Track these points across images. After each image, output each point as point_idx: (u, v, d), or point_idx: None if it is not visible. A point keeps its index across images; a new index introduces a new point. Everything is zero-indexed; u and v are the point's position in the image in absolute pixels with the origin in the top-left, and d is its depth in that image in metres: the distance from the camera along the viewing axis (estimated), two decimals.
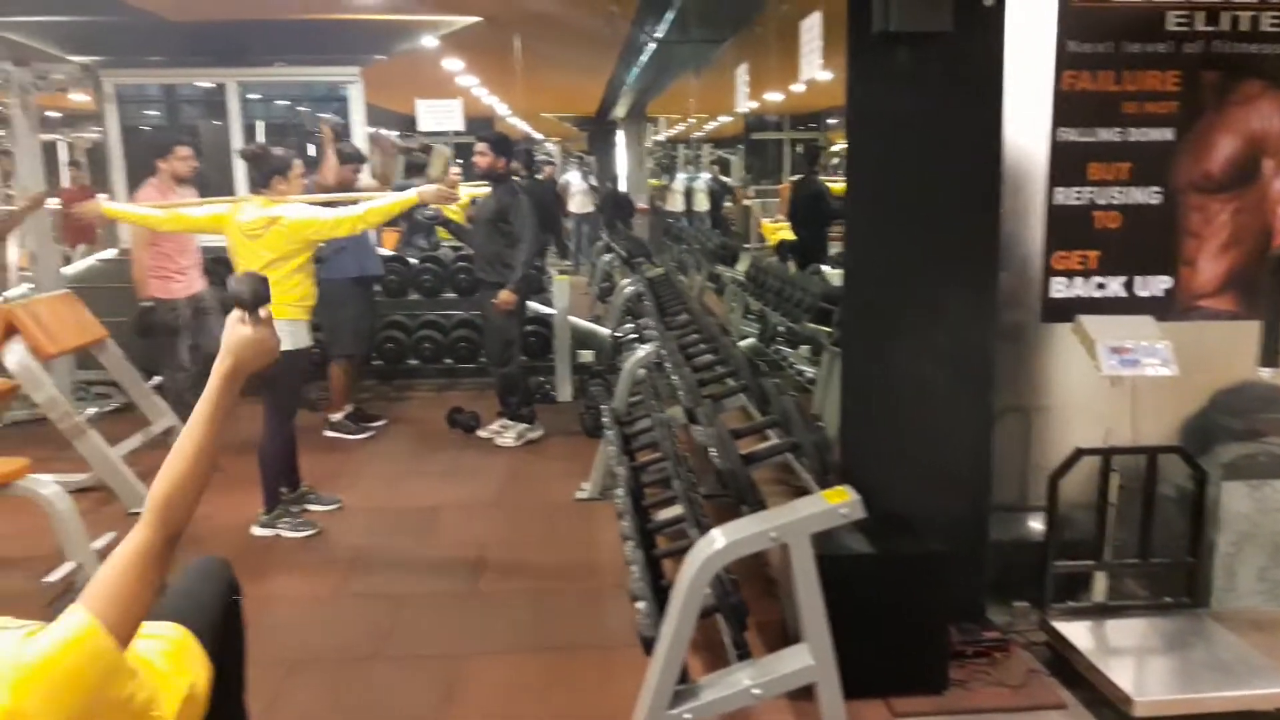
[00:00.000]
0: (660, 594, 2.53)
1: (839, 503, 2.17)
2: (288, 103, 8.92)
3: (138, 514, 3.17)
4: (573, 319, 6.62)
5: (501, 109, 15.24)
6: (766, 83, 9.81)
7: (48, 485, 3.87)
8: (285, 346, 4.06)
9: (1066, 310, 3.14)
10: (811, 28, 3.47)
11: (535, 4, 6.24)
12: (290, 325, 4.08)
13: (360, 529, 4.37)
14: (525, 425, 5.58)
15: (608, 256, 10.49)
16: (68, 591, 3.78)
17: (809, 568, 2.18)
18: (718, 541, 2.24)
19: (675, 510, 3.27)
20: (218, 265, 6.34)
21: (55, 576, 3.76)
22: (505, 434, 5.55)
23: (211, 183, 8.47)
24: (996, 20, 2.84)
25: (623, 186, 16.04)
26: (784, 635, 2.96)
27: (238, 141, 7.02)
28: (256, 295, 1.76)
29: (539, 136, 25.20)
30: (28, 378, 4.47)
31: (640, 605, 2.45)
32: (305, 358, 4.30)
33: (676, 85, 10.69)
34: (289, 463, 4.40)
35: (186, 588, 2.16)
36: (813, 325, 4.51)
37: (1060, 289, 3.18)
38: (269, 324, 1.76)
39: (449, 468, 5.26)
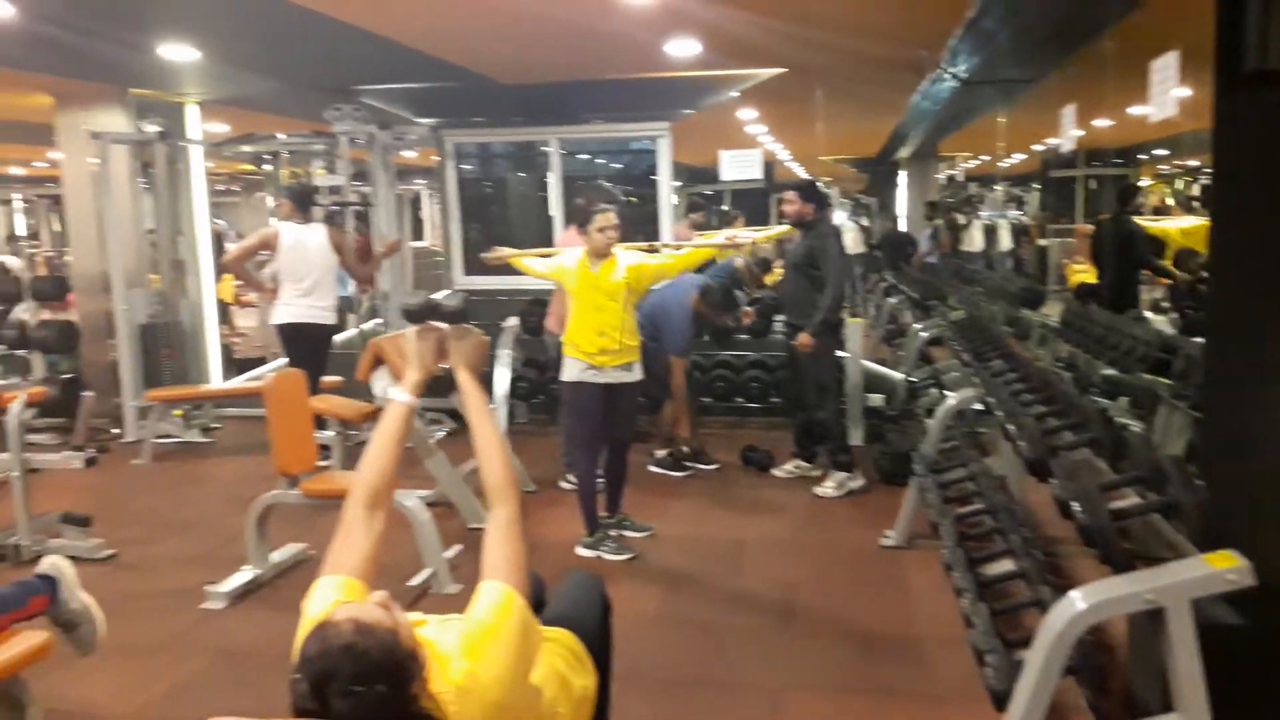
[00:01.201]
0: (1005, 649, 2.49)
1: (1225, 567, 2.06)
2: (586, 156, 9.57)
3: (477, 529, 3.55)
4: (863, 362, 6.60)
5: (782, 154, 15.49)
6: (1079, 118, 9.37)
7: (410, 498, 4.38)
8: (630, 379, 4.51)
9: None
10: (1166, 67, 3.32)
11: (840, 52, 6.34)
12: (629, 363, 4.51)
13: (673, 557, 4.58)
14: (845, 474, 5.48)
15: (894, 299, 10.34)
16: (424, 595, 4.26)
17: (1188, 635, 2.07)
18: (1081, 602, 2.18)
19: (1007, 565, 3.20)
20: (534, 306, 6.93)
21: (415, 581, 4.24)
22: (825, 484, 5.51)
23: (522, 232, 9.26)
24: None
25: (903, 226, 15.77)
26: (1128, 701, 2.80)
27: (556, 193, 7.63)
28: (454, 311, 2.38)
29: (810, 178, 25.30)
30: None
31: (990, 659, 2.42)
32: (638, 391, 4.66)
33: (973, 124, 10.42)
34: (615, 490, 4.75)
35: (573, 598, 2.40)
36: (1148, 376, 4.24)
37: None
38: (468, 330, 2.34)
39: (748, 504, 5.39)
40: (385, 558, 4.48)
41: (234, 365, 8.74)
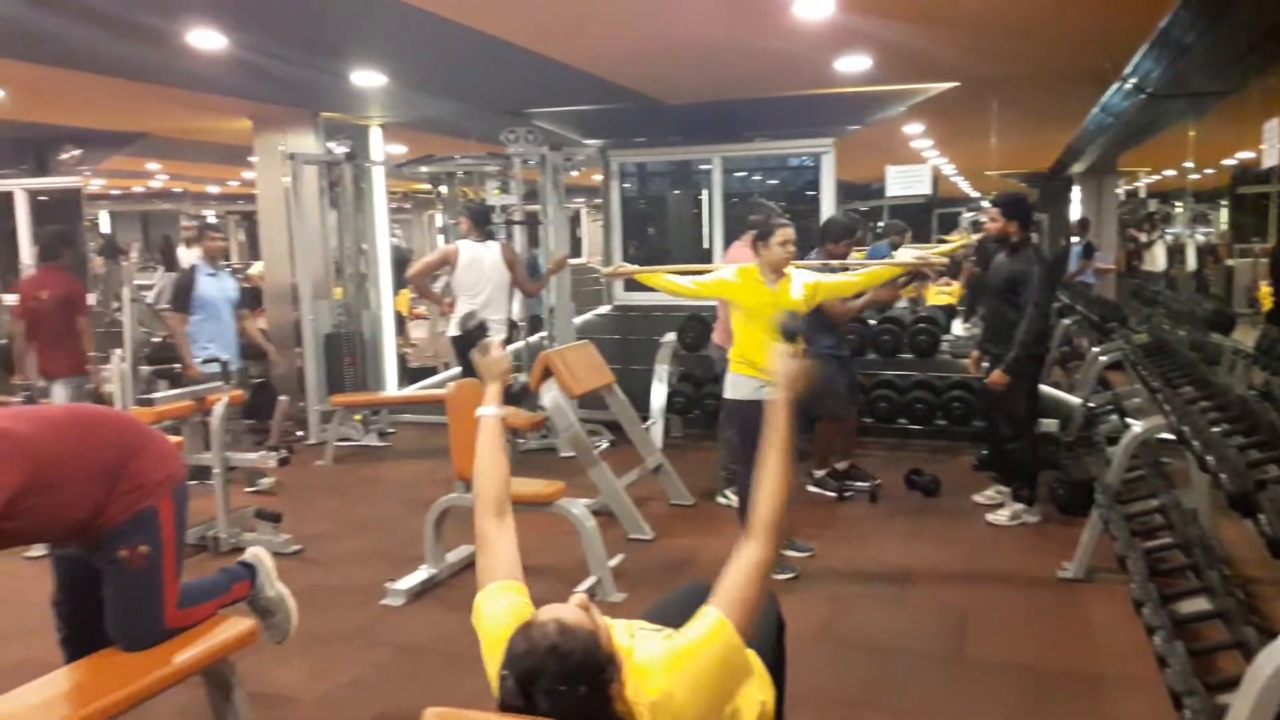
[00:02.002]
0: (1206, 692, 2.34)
1: None
2: (743, 173, 9.59)
3: (637, 539, 3.55)
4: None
5: (947, 169, 15.06)
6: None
7: (577, 506, 4.49)
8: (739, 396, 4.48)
9: None
10: None
11: (1019, 63, 6.13)
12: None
13: (835, 578, 4.52)
14: (1023, 506, 5.23)
15: (1068, 320, 9.87)
16: (590, 601, 4.35)
17: None
18: None
19: (1202, 603, 3.02)
20: (692, 322, 7.00)
21: (580, 588, 4.33)
22: (999, 511, 5.30)
23: (677, 248, 9.37)
24: None
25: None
26: None
27: (717, 211, 7.68)
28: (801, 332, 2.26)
29: (975, 194, 24.46)
30: (558, 414, 5.21)
31: (1189, 703, 2.29)
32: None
33: (1157, 137, 9.86)
34: None
35: None
36: None
37: None
38: (805, 358, 2.19)
39: (913, 529, 5.25)
40: (549, 563, 4.66)
41: (407, 374, 9.19)
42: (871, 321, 7.04)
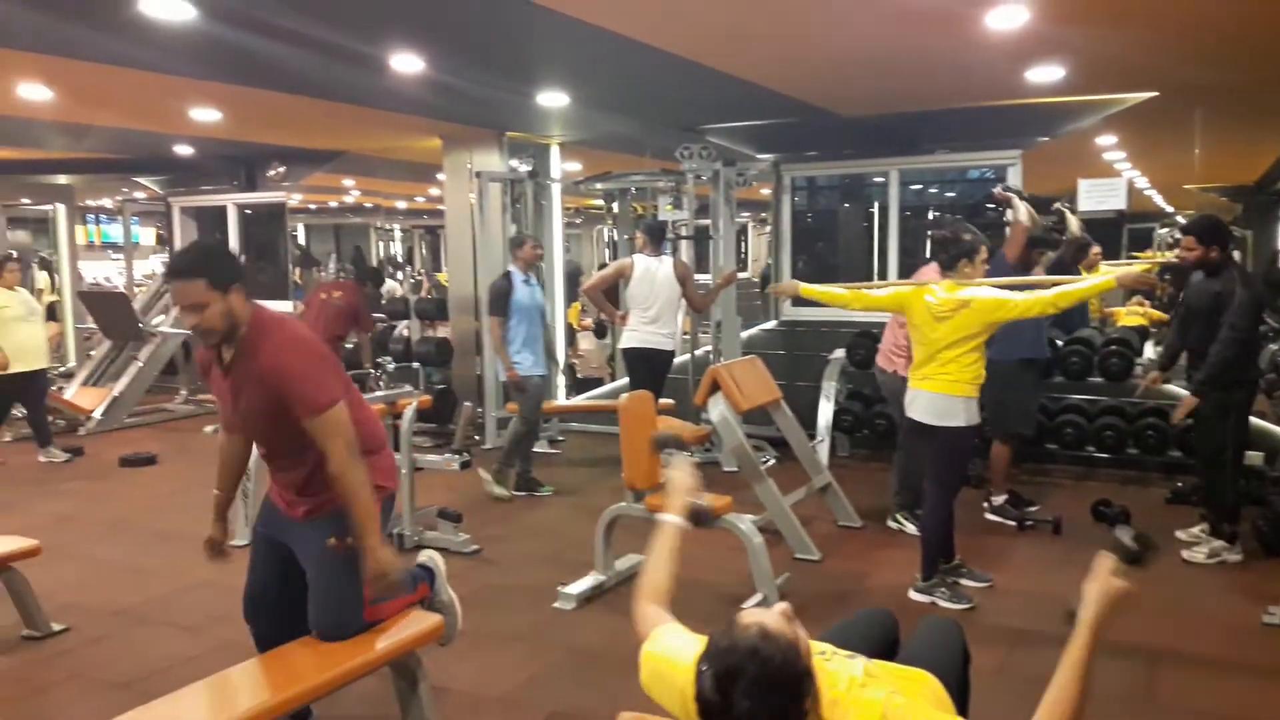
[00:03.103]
0: None
1: None
2: (918, 186, 9.33)
3: (803, 559, 3.44)
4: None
5: (1140, 181, 14.18)
6: None
7: (744, 522, 4.49)
8: (957, 423, 4.28)
9: None
10: None
11: (1228, 70, 5.72)
12: (964, 402, 4.25)
13: (1013, 611, 4.33)
14: (1223, 544, 4.89)
15: (1275, 345, 9.13)
16: None
17: None
18: None
19: None
20: (862, 339, 6.87)
21: (747, 605, 4.31)
22: (1196, 549, 4.96)
23: (846, 264, 9.22)
24: None
25: None
26: None
27: (893, 225, 7.52)
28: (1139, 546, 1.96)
29: (1170, 209, 22.93)
30: (724, 428, 5.23)
31: None
32: (974, 435, 4.41)
33: None
34: (947, 535, 4.54)
35: (933, 643, 2.35)
36: None
37: None
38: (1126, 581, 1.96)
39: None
40: (712, 578, 4.68)
41: (575, 384, 9.42)
42: (1059, 342, 6.71)
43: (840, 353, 7.08)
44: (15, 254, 8.22)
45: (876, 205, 8.98)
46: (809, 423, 6.51)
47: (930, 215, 10.56)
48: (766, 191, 11.11)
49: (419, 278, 18.23)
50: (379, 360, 8.00)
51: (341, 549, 2.83)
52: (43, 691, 3.68)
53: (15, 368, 7.13)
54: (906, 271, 7.35)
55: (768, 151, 8.35)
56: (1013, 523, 5.56)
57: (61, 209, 11.01)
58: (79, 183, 11.71)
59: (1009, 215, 5.45)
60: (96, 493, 6.63)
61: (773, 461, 6.70)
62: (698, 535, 4.99)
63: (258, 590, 3.05)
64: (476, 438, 7.88)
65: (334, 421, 2.67)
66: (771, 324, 8.15)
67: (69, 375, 9.86)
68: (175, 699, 2.66)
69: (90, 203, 17.39)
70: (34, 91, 6.51)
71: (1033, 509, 5.67)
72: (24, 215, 14.62)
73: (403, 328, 9.42)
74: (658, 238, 6.55)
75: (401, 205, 21.96)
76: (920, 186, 9.51)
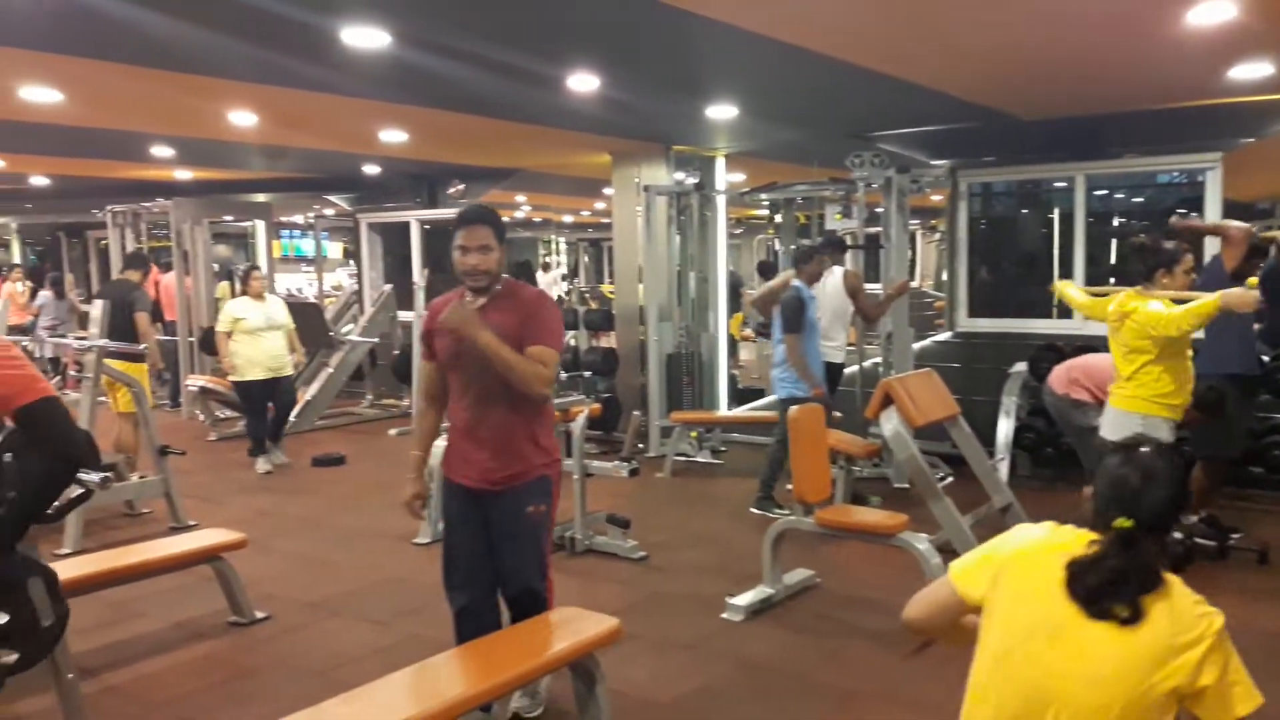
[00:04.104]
0: None
1: None
2: (1102, 192, 8.82)
3: None
4: None
5: None
6: None
7: (921, 541, 4.37)
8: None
9: None
10: None
11: None
12: (1142, 420, 4.04)
13: None
14: None
15: None
16: (930, 644, 4.20)
17: None
18: None
19: None
20: (1045, 353, 6.55)
21: None
22: None
23: (1024, 273, 8.80)
24: None
25: None
26: None
27: (1079, 233, 7.16)
28: None
29: None
30: (898, 443, 5.09)
31: None
32: None
33: None
34: None
35: None
36: None
37: None
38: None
39: None
40: (885, 598, 4.57)
41: (736, 395, 9.40)
42: (1264, 357, 6.20)
43: (1022, 366, 6.79)
44: (259, 265, 8.70)
45: (1056, 211, 8.57)
46: (988, 440, 6.27)
47: (1115, 222, 9.97)
48: (937, 198, 10.80)
49: (585, 290, 18.65)
50: None
51: (536, 515, 3.14)
52: (248, 675, 3.97)
53: (249, 376, 7.41)
54: (1091, 282, 6.98)
55: (942, 157, 8.11)
56: (1212, 543, 5.17)
57: (261, 225, 11.87)
58: (276, 200, 12.61)
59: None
60: (292, 490, 7.10)
61: (949, 479, 6.48)
62: (871, 553, 4.94)
63: (461, 565, 3.25)
64: (640, 445, 7.98)
65: (553, 358, 3.08)
66: (946, 335, 7.90)
67: None
68: (372, 689, 2.82)
69: (284, 219, 18.67)
70: (242, 118, 7.07)
71: (1235, 535, 5.26)
72: (226, 230, 15.87)
73: (569, 338, 9.65)
74: (835, 250, 6.49)
75: (568, 219, 22.59)
76: (1105, 191, 9.00)
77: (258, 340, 7.42)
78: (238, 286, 10.77)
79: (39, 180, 12.02)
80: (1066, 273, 7.49)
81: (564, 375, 8.03)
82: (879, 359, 7.34)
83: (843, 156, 7.03)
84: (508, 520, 3.13)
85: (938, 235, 15.28)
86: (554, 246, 25.68)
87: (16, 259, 19.66)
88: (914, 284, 16.20)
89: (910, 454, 5.04)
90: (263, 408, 7.64)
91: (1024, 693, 1.78)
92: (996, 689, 1.83)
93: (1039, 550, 1.87)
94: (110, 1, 4.12)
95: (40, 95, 6.05)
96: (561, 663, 3.04)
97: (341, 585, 4.99)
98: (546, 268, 23.48)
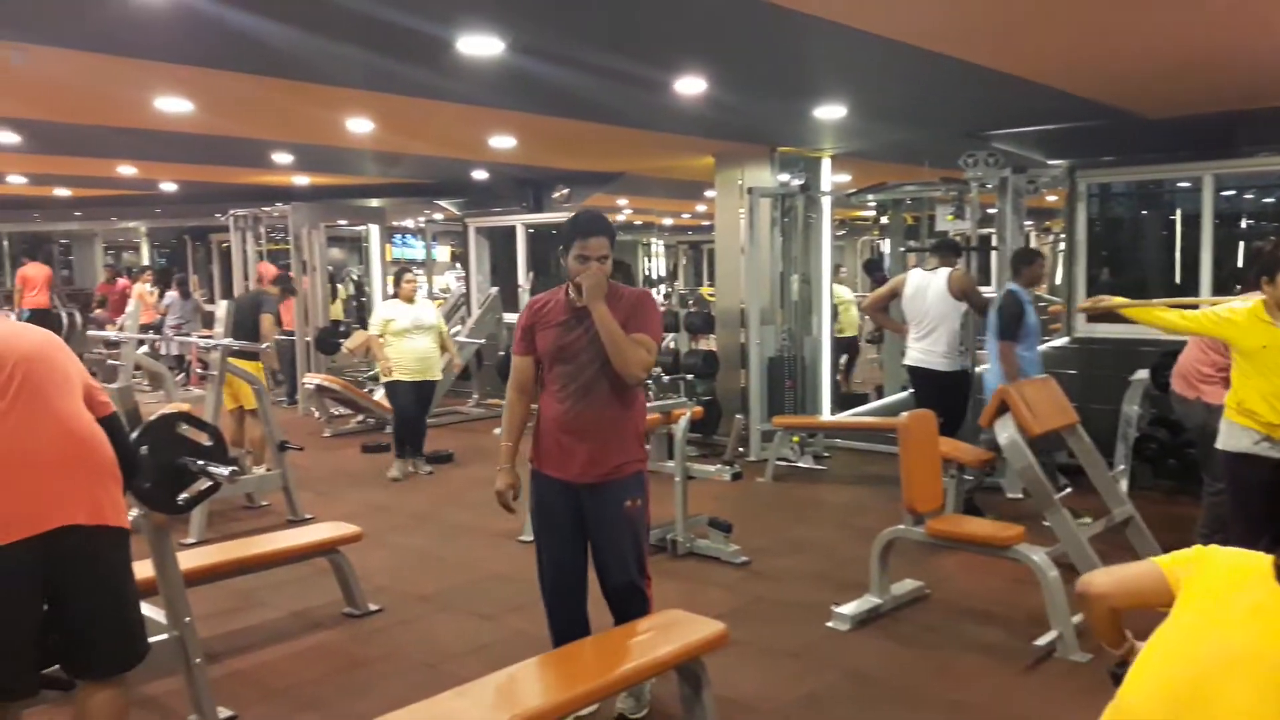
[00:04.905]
0: None
1: None
2: (1229, 192, 8.38)
3: None
4: None
5: None
6: None
7: (1038, 553, 4.22)
8: (1228, 448, 3.99)
9: None
10: None
11: None
12: (1242, 429, 3.95)
13: None
14: None
15: None
16: (1047, 658, 4.07)
17: None
18: None
19: None
20: (1168, 359, 6.24)
21: (1040, 641, 4.05)
22: None
23: (1143, 276, 8.45)
24: None
25: None
26: None
27: (1207, 235, 6.83)
28: None
29: None
30: (1014, 452, 4.92)
31: None
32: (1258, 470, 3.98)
33: None
34: None
35: None
36: None
37: None
38: None
39: None
40: (1001, 611, 4.44)
41: (840, 400, 9.27)
42: None
43: (1143, 374, 6.50)
44: (412, 266, 8.67)
45: (1179, 213, 8.19)
46: (1107, 450, 6.03)
47: (1243, 224, 9.48)
48: (1052, 199, 10.44)
49: (686, 292, 18.66)
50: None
51: (634, 509, 3.19)
52: (362, 665, 4.09)
53: (394, 377, 7.34)
54: (1220, 287, 6.66)
55: (1059, 156, 7.83)
56: None
57: (375, 229, 12.24)
58: (389, 205, 12.99)
59: None
60: (402, 486, 7.29)
61: (1068, 491, 6.25)
62: (981, 564, 4.80)
63: (551, 564, 3.33)
64: (741, 449, 7.93)
65: (653, 348, 3.21)
66: (1063, 341, 7.61)
67: (376, 379, 10.93)
68: (484, 685, 2.87)
69: (394, 223, 19.22)
70: (359, 125, 7.30)
71: None
72: (339, 234, 16.42)
73: (669, 340, 9.66)
74: (945, 252, 6.34)
75: (668, 222, 22.66)
76: (1232, 192, 8.56)
77: (404, 342, 7.33)
78: (373, 287, 11.12)
79: (168, 186, 12.65)
80: (1190, 277, 7.14)
81: (665, 378, 8.02)
82: (989, 365, 7.12)
83: (954, 156, 6.86)
84: (608, 514, 3.19)
85: (1051, 237, 14.76)
86: (651, 249, 25.74)
87: (145, 261, 20.75)
88: None
89: (1027, 463, 4.87)
90: (407, 410, 7.48)
91: (1200, 668, 1.69)
92: (1173, 659, 1.75)
93: (1250, 563, 1.79)
94: (241, 15, 4.30)
95: (173, 105, 6.36)
96: (668, 665, 3.04)
97: (450, 580, 5.10)
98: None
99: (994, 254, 7.14)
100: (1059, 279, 14.26)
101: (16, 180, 11.59)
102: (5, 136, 7.74)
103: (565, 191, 11.15)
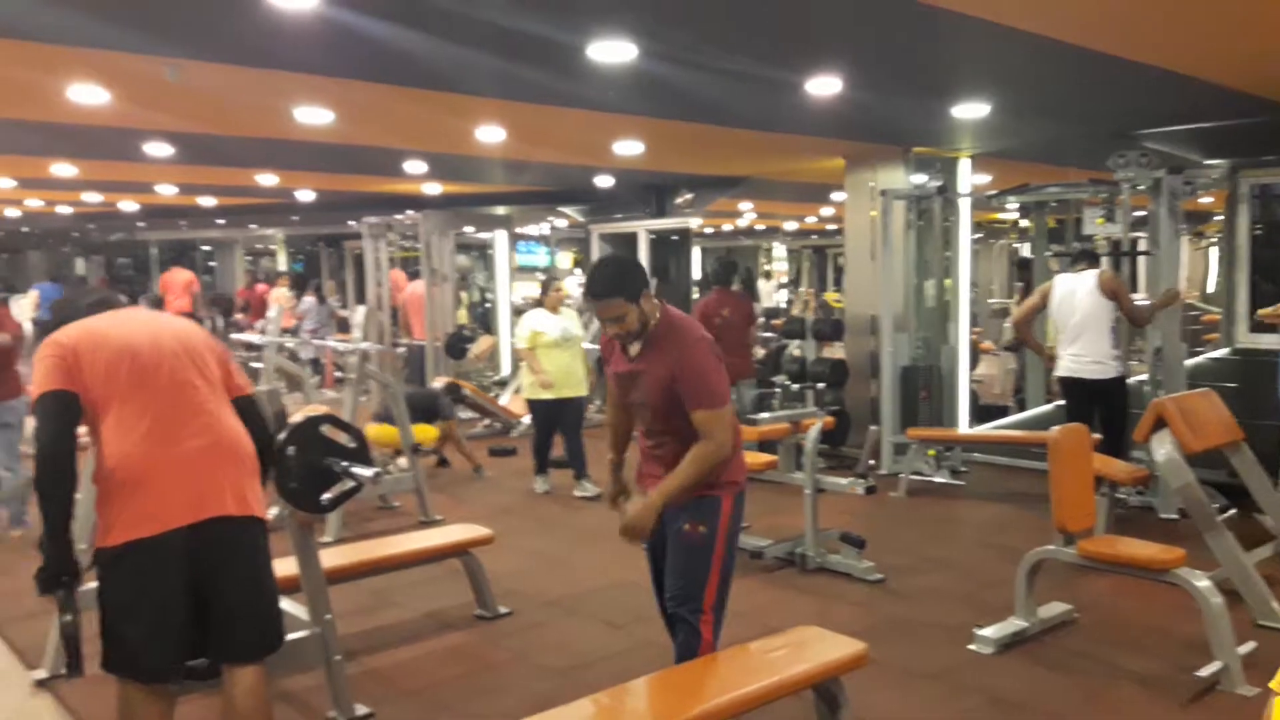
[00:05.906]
0: None
1: None
2: None
3: (1268, 626, 2.70)
4: None
5: None
6: None
7: (1200, 579, 3.92)
8: None
9: None
10: None
11: None
12: None
13: None
14: None
15: None
16: (1210, 690, 3.78)
17: None
18: None
19: None
20: None
21: (1203, 673, 3.76)
22: None
23: None
24: None
25: None
26: None
27: None
28: None
29: None
30: (1173, 470, 4.61)
31: None
32: None
33: None
34: None
35: None
36: None
37: None
38: None
39: None
40: (1157, 642, 4.15)
41: (976, 411, 8.90)
42: None
43: None
44: (557, 277, 8.45)
45: None
46: (1273, 469, 5.59)
47: None
48: (1205, 200, 9.83)
49: (813, 296, 18.37)
50: (773, 379, 8.11)
51: (693, 533, 3.03)
52: (493, 668, 4.11)
53: (535, 395, 7.02)
54: None
55: (1216, 156, 7.35)
56: None
57: (503, 235, 12.45)
58: (514, 212, 13.21)
59: None
60: (528, 489, 7.33)
61: (1231, 512, 5.83)
62: (1133, 589, 4.50)
63: (656, 579, 3.33)
64: (872, 462, 7.70)
65: (719, 420, 2.98)
66: (1222, 352, 7.12)
67: (502, 384, 11.10)
68: (619, 694, 2.83)
69: (518, 230, 19.56)
70: (490, 133, 7.42)
71: None
72: (465, 241, 16.80)
73: (793, 347, 9.46)
74: (1087, 255, 6.02)
75: (791, 226, 22.35)
76: None
77: (550, 356, 6.98)
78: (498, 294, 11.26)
79: (304, 195, 13.18)
80: None
81: (794, 386, 7.86)
82: (1143, 376, 6.71)
83: (1101, 156, 6.49)
84: (671, 538, 3.10)
85: (1204, 241, 13.89)
86: (771, 254, 25.43)
87: (281, 267, 21.70)
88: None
89: (1187, 482, 4.55)
90: (548, 426, 7.14)
91: None
92: None
93: None
94: (380, 26, 4.40)
95: (313, 116, 6.58)
96: (807, 684, 2.94)
97: (578, 585, 5.09)
98: (768, 276, 23.32)
99: (1140, 259, 6.74)
100: (1212, 286, 13.45)
101: (168, 190, 12.25)
102: (161, 149, 8.17)
103: (689, 196, 11.10)
